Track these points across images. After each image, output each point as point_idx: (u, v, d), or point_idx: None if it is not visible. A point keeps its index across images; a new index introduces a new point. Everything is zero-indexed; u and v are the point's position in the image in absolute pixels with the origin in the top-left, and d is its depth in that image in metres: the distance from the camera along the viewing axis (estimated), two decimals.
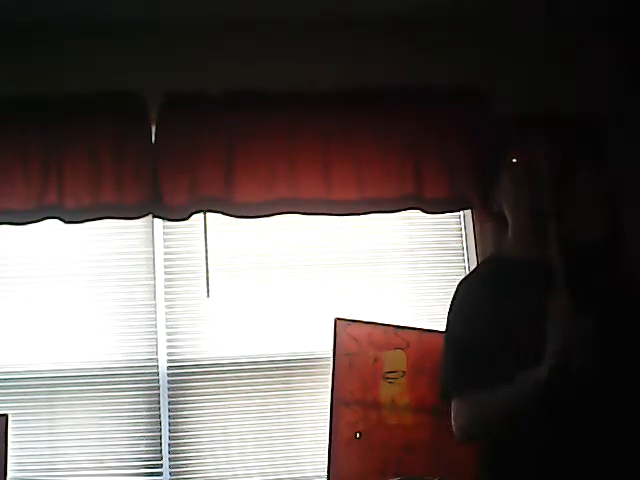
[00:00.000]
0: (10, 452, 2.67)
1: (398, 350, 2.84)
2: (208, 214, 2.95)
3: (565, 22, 3.11)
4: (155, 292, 2.95)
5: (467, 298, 1.88)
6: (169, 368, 2.89)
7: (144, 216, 2.89)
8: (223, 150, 2.92)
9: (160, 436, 2.84)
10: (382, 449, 2.76)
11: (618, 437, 1.68)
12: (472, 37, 3.14)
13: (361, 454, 2.76)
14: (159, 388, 2.87)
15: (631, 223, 2.98)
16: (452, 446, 2.22)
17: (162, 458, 2.83)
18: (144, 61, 2.98)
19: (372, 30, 3.08)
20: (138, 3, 2.88)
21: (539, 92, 2.99)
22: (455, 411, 1.82)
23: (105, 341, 2.91)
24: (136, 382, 2.88)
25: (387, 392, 2.81)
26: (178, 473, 2.83)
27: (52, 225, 2.86)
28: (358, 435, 2.77)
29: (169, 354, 2.91)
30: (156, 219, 2.95)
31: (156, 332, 2.92)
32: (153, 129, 2.93)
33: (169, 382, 2.88)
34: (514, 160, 1.84)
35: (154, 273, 2.97)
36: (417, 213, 3.03)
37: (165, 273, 2.98)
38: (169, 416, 2.86)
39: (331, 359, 2.81)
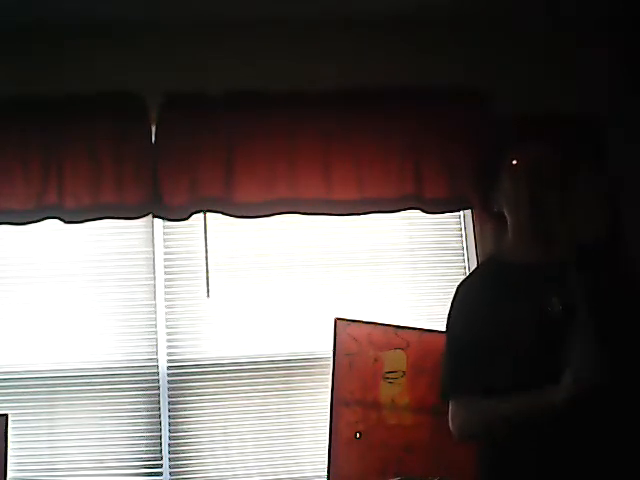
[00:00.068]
0: (10, 452, 2.67)
1: (398, 350, 2.84)
2: (208, 214, 2.95)
3: (565, 22, 3.11)
4: (155, 292, 2.95)
5: (466, 300, 1.88)
6: (169, 368, 2.89)
7: (144, 216, 2.89)
8: (223, 150, 2.92)
9: (160, 436, 2.84)
10: (382, 449, 2.75)
11: (618, 437, 1.68)
12: (472, 37, 3.14)
13: (361, 454, 2.76)
14: (159, 388, 2.87)
15: (631, 223, 2.98)
16: (452, 446, 2.22)
17: (162, 458, 2.83)
18: (144, 61, 2.98)
19: (372, 30, 3.08)
20: (138, 3, 2.88)
21: (539, 92, 3.00)
22: (453, 411, 1.82)
23: (105, 341, 2.91)
24: (136, 382, 2.88)
25: (387, 392, 2.81)
26: (178, 473, 2.83)
27: (52, 225, 2.86)
28: (358, 435, 2.77)
29: (169, 354, 2.91)
30: (156, 219, 2.95)
31: (156, 332, 2.92)
32: (153, 129, 2.93)
33: (169, 382, 2.88)
34: (514, 160, 1.84)
35: (154, 273, 2.97)
36: (417, 213, 3.03)
37: (165, 273, 2.98)
38: (169, 416, 2.86)
39: (331, 359, 2.81)
